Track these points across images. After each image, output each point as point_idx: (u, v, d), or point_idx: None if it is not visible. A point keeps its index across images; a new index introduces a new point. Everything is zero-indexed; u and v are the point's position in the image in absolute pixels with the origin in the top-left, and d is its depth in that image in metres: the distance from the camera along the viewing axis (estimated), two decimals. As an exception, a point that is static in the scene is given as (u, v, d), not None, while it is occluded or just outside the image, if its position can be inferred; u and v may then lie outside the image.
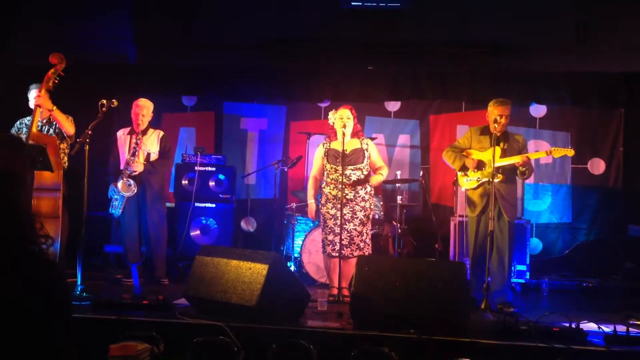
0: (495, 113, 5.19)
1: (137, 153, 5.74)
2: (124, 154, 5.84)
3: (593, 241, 7.17)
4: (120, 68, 7.47)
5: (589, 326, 4.04)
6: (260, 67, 7.54)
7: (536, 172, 7.35)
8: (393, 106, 7.66)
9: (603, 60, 6.76)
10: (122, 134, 5.95)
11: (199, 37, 7.21)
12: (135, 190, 5.69)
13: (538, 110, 7.42)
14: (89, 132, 4.90)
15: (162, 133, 5.98)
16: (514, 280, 6.25)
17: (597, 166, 7.27)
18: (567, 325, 3.95)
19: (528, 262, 6.38)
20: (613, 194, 7.20)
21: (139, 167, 5.72)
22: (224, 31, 7.20)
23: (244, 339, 3.86)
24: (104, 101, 4.89)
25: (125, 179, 5.68)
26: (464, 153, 5.36)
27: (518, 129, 7.35)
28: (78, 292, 4.60)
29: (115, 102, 4.98)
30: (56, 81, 5.30)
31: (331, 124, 5.38)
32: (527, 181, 7.18)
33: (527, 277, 6.37)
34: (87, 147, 4.85)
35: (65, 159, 5.43)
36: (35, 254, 1.60)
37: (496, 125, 5.09)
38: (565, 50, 6.72)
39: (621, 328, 3.90)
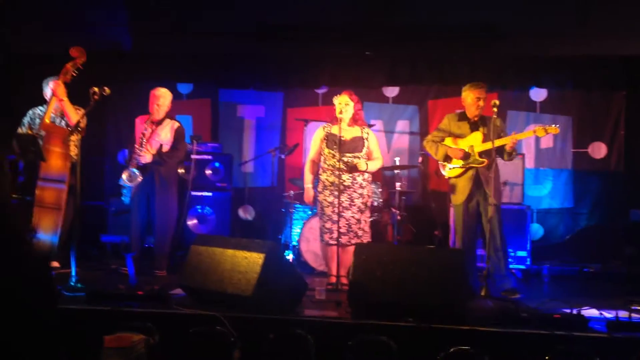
0: (472, 97, 5.13)
1: (144, 143, 5.65)
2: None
3: (594, 226, 7.12)
4: (115, 55, 7.36)
5: (591, 312, 3.99)
6: (257, 53, 7.43)
7: (537, 157, 7.29)
8: (391, 92, 7.57)
9: (604, 43, 6.65)
10: (140, 121, 5.86)
11: (195, 23, 7.10)
12: (140, 180, 5.60)
13: (538, 94, 7.33)
14: (81, 120, 4.83)
15: (177, 125, 5.83)
16: (514, 266, 6.20)
17: (599, 150, 7.19)
18: (568, 311, 3.90)
19: (529, 248, 6.33)
20: (614, 178, 7.13)
21: (146, 157, 5.64)
22: (220, 17, 7.09)
23: (240, 329, 3.81)
24: (96, 89, 4.79)
25: (130, 169, 5.60)
26: (444, 142, 5.26)
27: (518, 113, 7.30)
28: (73, 283, 4.54)
29: (107, 90, 4.89)
30: (74, 74, 5.28)
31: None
32: (527, 166, 7.10)
33: (528, 263, 6.32)
34: (80, 137, 4.78)
35: (76, 150, 5.36)
36: (19, 244, 1.54)
37: (477, 108, 5.05)
38: (566, 33, 6.60)
39: (623, 314, 3.84)
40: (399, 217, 6.30)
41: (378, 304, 3.99)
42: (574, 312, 3.88)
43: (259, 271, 3.92)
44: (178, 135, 5.80)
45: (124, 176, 5.60)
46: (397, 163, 6.67)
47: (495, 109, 4.95)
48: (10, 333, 1.49)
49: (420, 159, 7.10)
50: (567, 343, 3.64)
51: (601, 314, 3.89)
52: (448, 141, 5.28)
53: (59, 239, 5.29)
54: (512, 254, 6.23)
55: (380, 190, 6.34)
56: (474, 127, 5.11)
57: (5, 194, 1.76)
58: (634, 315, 3.87)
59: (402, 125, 7.55)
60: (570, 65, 7.13)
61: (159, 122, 5.76)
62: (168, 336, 3.85)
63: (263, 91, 7.72)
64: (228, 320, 3.82)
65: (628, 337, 3.68)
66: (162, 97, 5.77)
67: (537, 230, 7.09)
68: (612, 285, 5.94)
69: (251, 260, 4.00)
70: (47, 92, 5.61)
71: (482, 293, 4.80)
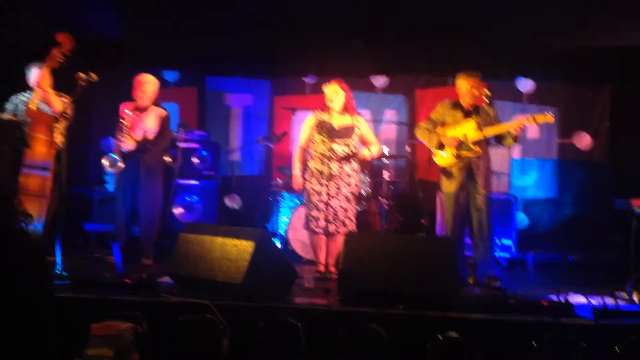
0: (466, 85, 5.12)
1: (126, 130, 5.57)
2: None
3: (578, 216, 7.20)
4: (101, 43, 7.25)
5: (578, 300, 4.03)
6: (244, 41, 7.37)
7: (523, 147, 7.34)
8: (379, 81, 7.57)
9: (593, 35, 6.69)
10: (125, 108, 5.77)
11: (182, 11, 7.02)
12: (121, 167, 5.53)
13: (525, 85, 7.37)
14: (68, 107, 4.75)
15: (164, 113, 5.73)
16: (500, 254, 6.25)
17: (584, 141, 7.26)
18: (556, 299, 3.94)
19: (514, 237, 6.38)
20: (599, 168, 7.21)
21: (128, 144, 5.56)
22: (207, 5, 7.01)
23: (230, 317, 3.79)
24: (82, 75, 4.71)
25: (110, 155, 5.52)
26: (437, 130, 5.26)
27: (505, 104, 7.33)
28: (58, 271, 4.49)
29: (94, 76, 4.82)
30: (61, 60, 5.17)
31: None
32: (513, 156, 7.16)
33: (513, 251, 6.37)
34: (66, 123, 4.71)
35: (62, 138, 5.29)
36: (16, 232, 1.51)
37: (471, 97, 5.04)
38: (555, 25, 6.62)
39: (610, 301, 3.89)
40: (386, 207, 6.31)
41: (368, 292, 4.00)
42: (561, 299, 3.91)
43: (249, 259, 3.91)
44: (164, 123, 5.72)
45: (105, 162, 5.52)
46: (385, 152, 6.66)
47: (486, 99, 4.95)
48: (5, 322, 1.46)
49: (408, 149, 7.12)
50: (554, 329, 3.67)
51: (588, 301, 3.93)
52: (441, 130, 5.27)
53: (43, 227, 5.22)
54: (498, 242, 6.28)
55: (368, 179, 6.35)
56: (467, 115, 5.11)
57: (8, 184, 1.72)
58: (620, 302, 3.91)
59: (389, 114, 7.55)
60: (559, 57, 7.16)
61: (144, 109, 5.68)
62: (156, 324, 3.82)
63: (250, 79, 7.67)
64: (217, 309, 3.80)
65: (614, 323, 3.73)
66: (147, 84, 5.68)
67: (522, 219, 7.14)
68: (596, 274, 6.00)
69: (241, 248, 3.98)
70: (31, 77, 5.52)
71: (470, 281, 4.84)
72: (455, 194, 5.15)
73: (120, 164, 5.49)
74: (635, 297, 4.34)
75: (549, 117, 4.98)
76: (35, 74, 5.44)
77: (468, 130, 5.09)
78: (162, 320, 3.82)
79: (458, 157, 5.13)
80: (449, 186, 5.21)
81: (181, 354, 3.72)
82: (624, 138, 7.07)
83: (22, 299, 1.47)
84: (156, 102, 5.78)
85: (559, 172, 7.31)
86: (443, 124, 5.27)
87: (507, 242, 6.30)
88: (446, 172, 5.25)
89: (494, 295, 4.02)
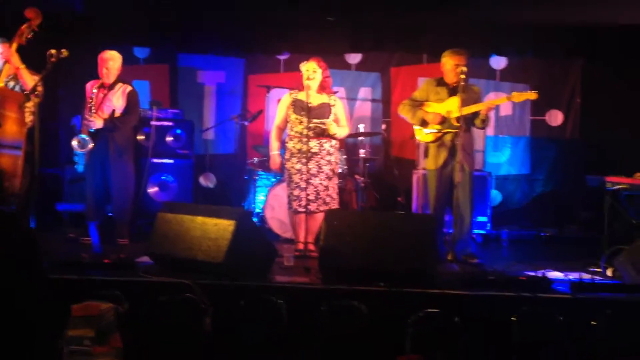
0: (451, 63, 5.12)
1: (93, 109, 5.45)
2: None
3: (550, 192, 7.32)
4: (67, 17, 7.04)
5: (555, 275, 4.11)
6: (217, 17, 7.24)
7: (496, 125, 7.40)
8: (354, 58, 7.53)
9: (563, 11, 6.74)
10: (91, 87, 5.63)
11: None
12: (91, 147, 5.42)
13: (498, 62, 7.41)
14: (39, 84, 4.62)
15: (129, 88, 5.60)
16: (475, 231, 6.33)
17: (555, 118, 7.36)
18: (533, 274, 4.01)
19: (489, 214, 6.46)
20: (570, 145, 7.31)
21: (96, 123, 5.44)
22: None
23: (211, 296, 3.77)
24: (53, 51, 4.58)
25: (79, 135, 5.41)
26: (422, 107, 5.26)
27: (478, 81, 7.35)
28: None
29: (65, 52, 4.68)
30: (29, 36, 5.01)
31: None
32: (487, 133, 7.22)
33: (488, 228, 6.45)
34: (37, 101, 4.58)
35: (32, 117, 5.14)
36: (4, 214, 1.46)
37: (458, 76, 5.02)
38: (527, 0, 6.66)
39: (586, 276, 3.98)
40: (362, 184, 6.32)
41: (349, 269, 4.01)
42: (539, 274, 3.98)
43: (230, 238, 3.88)
44: (130, 99, 5.59)
45: (74, 143, 5.41)
46: (361, 130, 6.66)
47: (463, 76, 4.96)
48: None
49: (383, 126, 7.12)
50: (532, 304, 3.74)
51: (566, 275, 4.02)
52: (425, 106, 5.26)
53: (15, 207, 5.10)
54: (474, 219, 6.34)
55: (344, 157, 6.34)
56: (452, 93, 5.11)
57: None
58: (596, 277, 4.00)
59: (364, 92, 7.53)
60: (531, 33, 7.21)
61: (111, 87, 5.56)
62: (137, 304, 3.79)
63: (223, 57, 7.56)
64: (198, 288, 3.77)
65: (590, 297, 3.82)
66: (111, 60, 5.54)
67: (495, 196, 7.23)
68: (568, 249, 6.13)
69: (221, 227, 3.95)
70: None
71: (449, 257, 4.89)
72: (438, 171, 5.17)
73: (90, 144, 5.39)
74: (608, 272, 4.45)
75: (530, 95, 5.01)
76: (0, 52, 5.27)
77: (452, 107, 5.09)
78: (143, 300, 3.79)
79: (441, 133, 5.13)
80: (431, 163, 5.22)
81: (163, 333, 3.70)
82: (594, 114, 7.17)
83: (15, 282, 1.42)
84: (122, 79, 5.65)
85: (532, 149, 7.40)
86: (427, 101, 5.26)
87: (482, 218, 6.37)
88: (428, 149, 5.25)
89: (474, 271, 4.07)
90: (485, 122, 5.15)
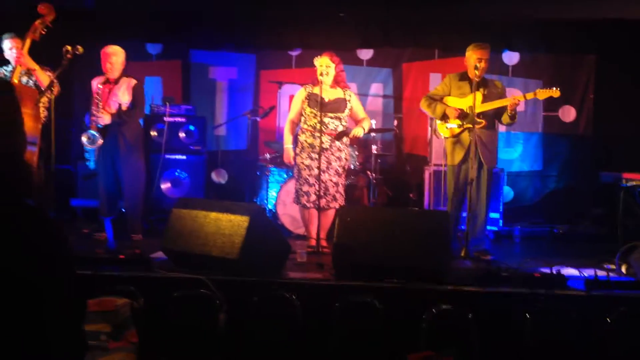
0: (474, 57, 5.08)
1: (100, 104, 5.48)
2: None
3: (563, 188, 7.28)
4: (79, 14, 7.07)
5: (569, 272, 4.09)
6: (229, 13, 7.25)
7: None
8: (365, 54, 7.51)
9: (576, 6, 6.70)
10: (96, 83, 5.65)
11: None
12: (100, 143, 5.45)
13: (511, 58, 7.38)
14: (54, 81, 4.65)
15: (134, 82, 5.60)
16: (488, 228, 6.30)
17: (568, 114, 7.32)
18: (548, 271, 3.99)
19: (501, 210, 6.44)
20: (583, 141, 7.27)
21: (104, 119, 5.47)
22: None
23: (225, 292, 3.79)
24: (69, 47, 4.62)
25: (89, 131, 5.44)
26: (443, 101, 5.24)
27: (491, 77, 7.31)
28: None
29: (80, 49, 4.72)
30: (43, 32, 5.04)
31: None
32: (499, 129, 7.18)
33: (500, 224, 6.44)
34: (53, 97, 4.60)
35: (46, 112, 5.17)
36: (33, 208, 1.47)
37: (477, 71, 4.99)
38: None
39: (601, 273, 3.96)
40: (374, 180, 6.32)
41: (362, 266, 4.02)
42: (554, 271, 3.96)
43: (244, 234, 3.89)
44: (136, 92, 5.59)
45: (84, 139, 5.44)
46: (373, 126, 6.64)
47: (477, 72, 4.94)
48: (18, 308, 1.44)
49: (395, 122, 7.11)
50: (547, 301, 3.73)
51: (580, 272, 4.00)
52: (447, 100, 5.23)
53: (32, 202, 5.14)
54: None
55: (356, 153, 6.34)
56: (474, 87, 5.07)
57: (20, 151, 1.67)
58: (611, 274, 3.98)
59: (376, 88, 7.52)
60: (543, 28, 7.17)
61: (116, 82, 5.56)
62: (152, 300, 3.81)
63: (235, 52, 7.57)
64: (212, 284, 3.79)
65: (605, 294, 3.80)
66: (114, 55, 5.54)
67: (507, 192, 7.21)
68: (581, 245, 6.10)
69: (236, 223, 3.96)
70: (6, 49, 5.37)
71: (462, 254, 4.88)
72: (456, 167, 5.15)
73: (99, 140, 5.41)
74: (623, 269, 4.42)
75: (554, 92, 4.98)
76: (9, 45, 5.29)
77: (473, 102, 5.06)
78: (158, 296, 3.82)
79: (461, 129, 5.11)
80: (452, 159, 5.20)
81: (178, 329, 3.72)
82: (607, 110, 7.12)
83: (41, 284, 1.43)
84: (126, 73, 5.66)
85: (544, 145, 7.36)
86: (449, 95, 5.23)
87: (494, 215, 6.35)
88: (449, 143, 5.23)
89: (487, 268, 4.06)
90: (513, 117, 5.09)
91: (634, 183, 4.92)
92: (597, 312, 3.67)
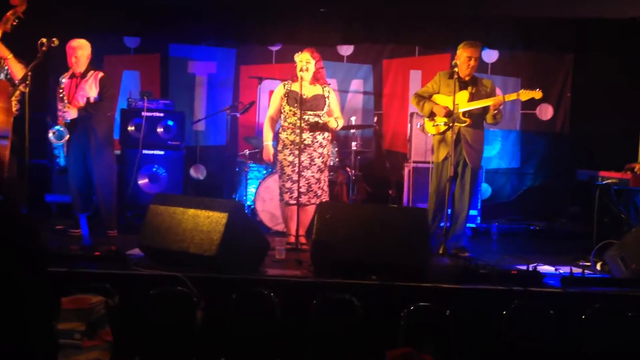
0: (464, 55, 5.09)
1: (65, 99, 5.38)
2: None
3: (539, 186, 7.35)
4: (54, 5, 6.94)
5: (545, 269, 4.12)
6: (209, 7, 7.18)
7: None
8: (346, 50, 7.50)
9: (554, 5, 6.76)
10: (62, 78, 5.56)
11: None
12: (67, 138, 5.35)
13: (490, 56, 7.41)
14: (29, 74, 4.56)
15: (101, 74, 5.48)
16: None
17: (546, 112, 7.39)
18: (525, 268, 4.02)
19: (479, 207, 6.48)
20: (560, 139, 7.35)
21: (70, 113, 5.35)
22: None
23: (203, 289, 3.75)
24: (44, 40, 4.52)
25: (55, 127, 5.34)
26: (432, 98, 5.24)
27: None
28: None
29: (56, 41, 4.63)
30: (14, 23, 4.93)
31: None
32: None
33: (478, 221, 6.48)
34: (27, 90, 4.51)
35: (18, 106, 5.07)
36: (2, 203, 1.43)
37: (467, 67, 5.00)
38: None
39: (576, 270, 4.00)
40: (353, 177, 6.31)
41: (341, 263, 4.00)
42: (530, 268, 3.99)
43: (223, 230, 3.86)
44: (103, 84, 5.46)
45: (50, 135, 5.34)
46: (352, 122, 6.65)
47: (456, 69, 4.96)
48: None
49: (375, 119, 7.12)
50: (524, 298, 3.76)
51: (557, 270, 4.03)
52: (435, 98, 5.23)
53: (3, 197, 5.04)
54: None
55: (335, 149, 6.33)
56: (462, 86, 5.07)
57: None
58: (587, 271, 4.03)
59: (356, 84, 7.51)
60: (521, 26, 7.23)
61: (83, 76, 5.46)
62: (128, 298, 3.76)
63: (215, 47, 7.50)
64: (190, 281, 3.75)
65: (580, 291, 3.84)
66: (80, 49, 5.42)
67: (485, 189, 7.25)
68: (557, 242, 6.18)
69: (214, 219, 3.93)
70: None
71: (440, 251, 4.90)
72: (441, 164, 5.16)
73: (67, 136, 5.32)
74: (598, 266, 4.47)
75: (536, 94, 5.01)
76: None
77: (460, 100, 5.05)
78: (134, 294, 3.76)
79: (447, 127, 5.11)
80: (437, 155, 5.21)
81: (154, 327, 3.67)
82: (584, 108, 7.20)
83: (16, 274, 1.40)
84: (92, 66, 5.57)
85: (522, 142, 7.42)
86: (438, 93, 5.23)
87: (472, 212, 6.37)
88: (436, 140, 5.24)
89: (465, 265, 4.07)
90: (496, 117, 5.10)
91: (610, 181, 4.97)
92: (573, 308, 3.70)
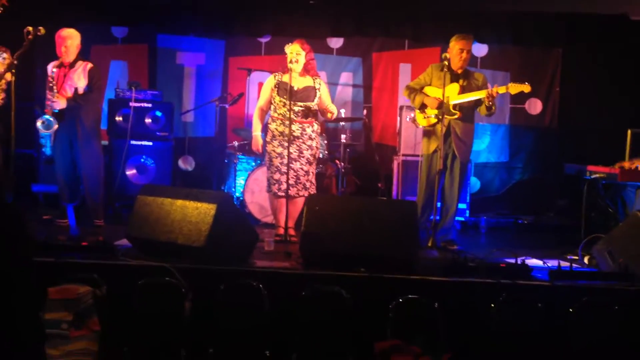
0: (456, 48, 5.08)
1: (54, 89, 5.34)
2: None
3: (528, 180, 7.38)
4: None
5: (534, 262, 4.14)
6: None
7: (477, 112, 7.40)
8: (335, 43, 7.48)
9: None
10: (52, 67, 5.50)
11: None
12: (56, 128, 5.31)
13: (479, 50, 7.41)
14: (15, 62, 4.51)
15: (90, 65, 5.47)
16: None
17: (535, 106, 7.41)
18: (513, 261, 4.03)
19: (468, 201, 6.49)
20: (549, 133, 7.38)
21: (59, 103, 5.31)
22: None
23: (191, 280, 3.73)
24: (30, 28, 4.47)
25: (43, 116, 5.29)
26: (423, 90, 5.23)
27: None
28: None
29: (42, 30, 4.57)
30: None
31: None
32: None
33: (467, 215, 6.49)
34: (13, 79, 4.46)
35: (3, 95, 5.01)
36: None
37: (460, 59, 4.99)
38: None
39: (564, 263, 4.02)
40: (343, 170, 6.31)
41: (330, 255, 4.00)
42: (518, 261, 4.01)
43: (211, 222, 3.84)
44: (91, 75, 5.45)
45: (38, 124, 5.31)
46: (342, 115, 6.63)
47: (446, 62, 4.95)
48: None
49: (364, 112, 7.11)
50: (512, 291, 3.77)
51: (545, 263, 4.05)
52: (427, 90, 5.22)
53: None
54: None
55: (325, 142, 6.32)
56: (454, 78, 5.07)
57: None
58: (574, 265, 4.05)
59: (345, 77, 7.50)
60: (511, 20, 7.24)
61: (72, 66, 5.43)
62: (115, 288, 3.74)
63: (204, 38, 7.45)
64: (178, 272, 3.73)
65: (568, 285, 3.86)
66: (69, 38, 5.40)
67: (474, 183, 7.27)
68: (545, 236, 6.21)
69: (203, 210, 3.90)
70: None
71: (429, 244, 4.91)
72: (430, 157, 5.16)
73: (55, 125, 5.29)
74: (586, 260, 4.50)
75: (525, 87, 5.00)
76: None
77: (451, 92, 5.04)
78: (121, 284, 3.74)
79: (437, 119, 5.10)
80: (426, 148, 5.21)
81: (142, 317, 3.65)
82: (573, 103, 7.24)
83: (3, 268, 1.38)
84: (81, 57, 5.52)
85: (511, 137, 7.44)
86: (430, 85, 5.22)
87: (461, 205, 6.38)
88: (426, 133, 5.23)
89: (454, 258, 4.08)
90: (490, 109, 5.08)
91: (598, 175, 5.00)
92: (561, 301, 3.72)
